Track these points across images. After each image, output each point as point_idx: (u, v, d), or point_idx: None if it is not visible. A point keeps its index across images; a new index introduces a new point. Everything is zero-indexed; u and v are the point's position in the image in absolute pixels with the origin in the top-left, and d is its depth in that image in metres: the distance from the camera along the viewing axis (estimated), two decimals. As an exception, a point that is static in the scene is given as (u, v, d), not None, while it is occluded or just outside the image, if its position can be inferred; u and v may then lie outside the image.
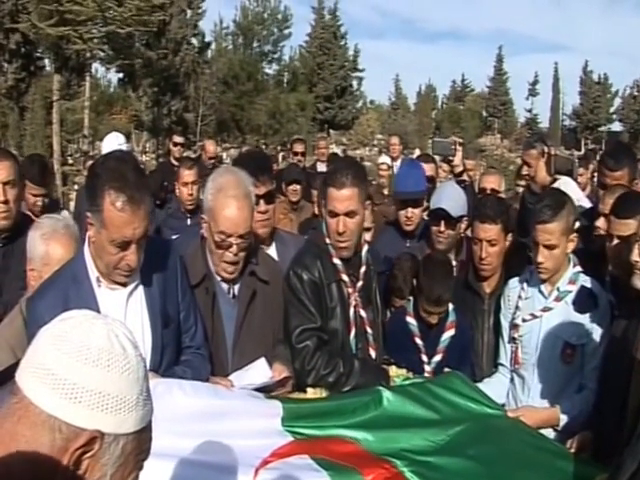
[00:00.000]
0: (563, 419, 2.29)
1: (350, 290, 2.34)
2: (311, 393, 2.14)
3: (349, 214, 2.28)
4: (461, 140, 3.86)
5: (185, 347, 2.05)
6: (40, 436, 0.79)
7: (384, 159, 6.87)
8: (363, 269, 2.40)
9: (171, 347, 1.98)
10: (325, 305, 2.30)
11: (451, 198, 2.97)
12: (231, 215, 2.09)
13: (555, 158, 3.02)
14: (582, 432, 2.16)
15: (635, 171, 3.08)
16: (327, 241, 2.34)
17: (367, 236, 2.68)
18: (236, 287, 2.24)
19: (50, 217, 2.36)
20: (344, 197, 2.26)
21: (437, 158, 4.52)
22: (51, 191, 3.96)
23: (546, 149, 3.07)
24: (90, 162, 6.98)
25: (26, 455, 0.78)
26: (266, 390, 2.04)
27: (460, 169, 3.83)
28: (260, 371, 2.10)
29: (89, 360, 0.82)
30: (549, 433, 2.28)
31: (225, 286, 2.23)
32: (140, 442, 0.87)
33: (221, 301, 2.20)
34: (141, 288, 1.92)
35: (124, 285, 1.88)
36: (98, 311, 1.83)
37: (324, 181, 2.39)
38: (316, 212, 4.09)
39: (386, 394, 2.04)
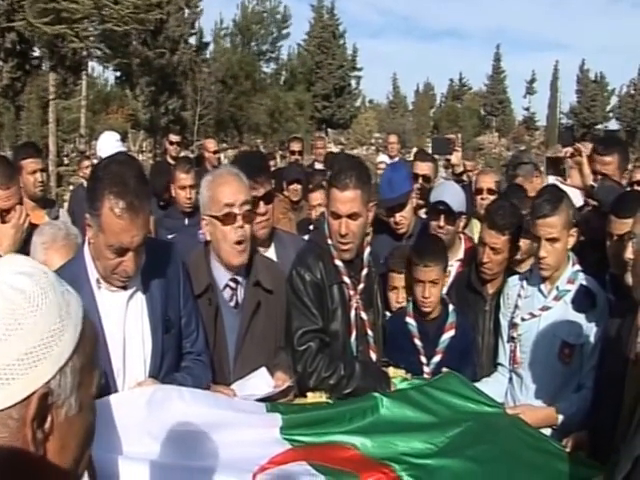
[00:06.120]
0: (561, 418, 2.29)
1: (351, 292, 2.33)
2: (311, 397, 2.13)
3: (352, 216, 2.26)
4: (459, 136, 3.85)
5: (186, 353, 2.03)
6: None
7: (382, 158, 6.87)
8: (365, 271, 2.39)
9: (172, 352, 1.95)
10: (326, 307, 2.29)
11: (452, 193, 2.98)
12: (230, 186, 2.13)
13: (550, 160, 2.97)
14: (578, 431, 2.16)
15: (625, 161, 3.06)
16: (329, 242, 2.33)
17: (368, 237, 2.67)
18: (239, 295, 2.22)
19: (52, 225, 2.35)
20: (347, 199, 2.24)
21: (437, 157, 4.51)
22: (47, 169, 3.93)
23: (583, 148, 2.90)
24: (85, 162, 6.95)
25: None
26: (268, 399, 2.02)
27: (460, 169, 3.84)
28: (262, 380, 2.10)
29: None
30: (546, 432, 2.28)
31: (228, 295, 2.21)
32: (85, 350, 0.80)
33: (224, 312, 2.18)
34: (142, 292, 1.90)
35: (124, 288, 1.86)
36: (98, 313, 1.82)
37: (327, 181, 2.38)
38: (309, 212, 4.08)
39: (384, 400, 2.04)
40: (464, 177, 3.83)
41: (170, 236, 3.69)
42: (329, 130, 34.80)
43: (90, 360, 0.82)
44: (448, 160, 4.00)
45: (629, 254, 1.95)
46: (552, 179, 3.22)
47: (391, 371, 2.32)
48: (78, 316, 0.81)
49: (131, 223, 1.72)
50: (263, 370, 2.13)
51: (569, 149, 2.92)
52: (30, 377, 0.75)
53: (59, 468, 0.78)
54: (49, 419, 0.77)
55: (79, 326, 0.80)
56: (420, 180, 3.77)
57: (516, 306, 2.51)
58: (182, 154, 6.83)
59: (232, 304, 2.22)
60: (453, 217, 2.90)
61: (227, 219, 2.11)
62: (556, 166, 2.94)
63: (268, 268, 2.27)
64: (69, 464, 0.80)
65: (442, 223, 2.89)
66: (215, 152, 6.64)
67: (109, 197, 1.71)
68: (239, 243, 2.12)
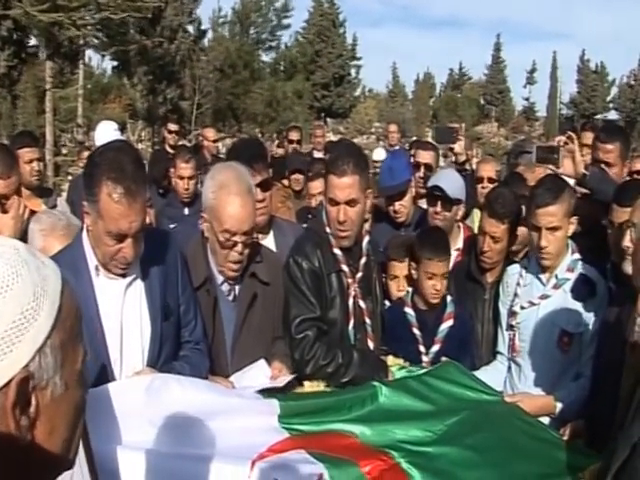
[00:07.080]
0: (559, 407, 2.30)
1: (350, 280, 2.32)
2: (308, 386, 2.13)
3: (350, 203, 2.24)
4: (462, 126, 3.83)
5: (184, 341, 2.02)
6: None
7: (377, 156, 6.76)
8: (363, 260, 2.38)
9: (170, 341, 1.95)
10: (324, 295, 2.28)
11: (449, 179, 2.97)
12: (235, 212, 2.04)
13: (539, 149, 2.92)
14: (575, 420, 2.17)
15: (627, 150, 3.06)
16: (327, 230, 2.31)
17: (367, 226, 2.66)
18: (237, 288, 2.21)
19: (51, 214, 2.34)
20: (345, 185, 2.22)
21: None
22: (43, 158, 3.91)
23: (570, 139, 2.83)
24: (85, 152, 6.90)
25: None
26: (266, 391, 2.01)
27: (463, 158, 3.82)
28: (260, 372, 2.09)
29: None
30: (544, 420, 2.28)
31: (226, 289, 2.20)
32: (66, 325, 0.75)
33: (221, 304, 2.17)
34: (141, 279, 1.89)
35: (123, 276, 1.86)
36: (95, 301, 1.82)
37: (325, 168, 2.36)
38: (309, 201, 4.07)
39: (382, 389, 2.04)
40: (466, 166, 3.81)
41: (172, 225, 3.69)
42: (328, 119, 34.70)
43: (72, 335, 0.77)
44: (451, 149, 3.98)
45: (627, 242, 1.96)
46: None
47: (390, 360, 2.31)
48: (56, 290, 0.75)
49: (129, 208, 1.71)
50: (262, 362, 2.12)
51: (562, 137, 2.90)
52: (4, 364, 0.70)
53: (49, 453, 0.76)
54: (33, 403, 0.73)
55: (57, 302, 0.75)
56: (422, 169, 3.75)
57: (515, 294, 2.51)
58: (180, 143, 6.80)
59: (230, 298, 2.20)
60: (450, 203, 2.88)
61: (227, 244, 2.06)
62: (548, 155, 2.90)
63: (265, 259, 2.24)
64: (60, 447, 0.77)
65: (439, 209, 2.88)
66: (214, 141, 6.61)
67: (107, 183, 1.71)
68: (235, 263, 2.10)
